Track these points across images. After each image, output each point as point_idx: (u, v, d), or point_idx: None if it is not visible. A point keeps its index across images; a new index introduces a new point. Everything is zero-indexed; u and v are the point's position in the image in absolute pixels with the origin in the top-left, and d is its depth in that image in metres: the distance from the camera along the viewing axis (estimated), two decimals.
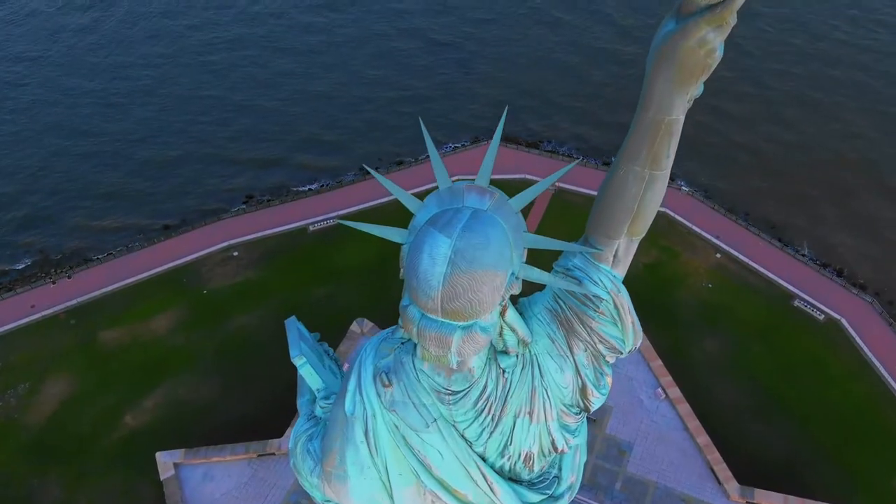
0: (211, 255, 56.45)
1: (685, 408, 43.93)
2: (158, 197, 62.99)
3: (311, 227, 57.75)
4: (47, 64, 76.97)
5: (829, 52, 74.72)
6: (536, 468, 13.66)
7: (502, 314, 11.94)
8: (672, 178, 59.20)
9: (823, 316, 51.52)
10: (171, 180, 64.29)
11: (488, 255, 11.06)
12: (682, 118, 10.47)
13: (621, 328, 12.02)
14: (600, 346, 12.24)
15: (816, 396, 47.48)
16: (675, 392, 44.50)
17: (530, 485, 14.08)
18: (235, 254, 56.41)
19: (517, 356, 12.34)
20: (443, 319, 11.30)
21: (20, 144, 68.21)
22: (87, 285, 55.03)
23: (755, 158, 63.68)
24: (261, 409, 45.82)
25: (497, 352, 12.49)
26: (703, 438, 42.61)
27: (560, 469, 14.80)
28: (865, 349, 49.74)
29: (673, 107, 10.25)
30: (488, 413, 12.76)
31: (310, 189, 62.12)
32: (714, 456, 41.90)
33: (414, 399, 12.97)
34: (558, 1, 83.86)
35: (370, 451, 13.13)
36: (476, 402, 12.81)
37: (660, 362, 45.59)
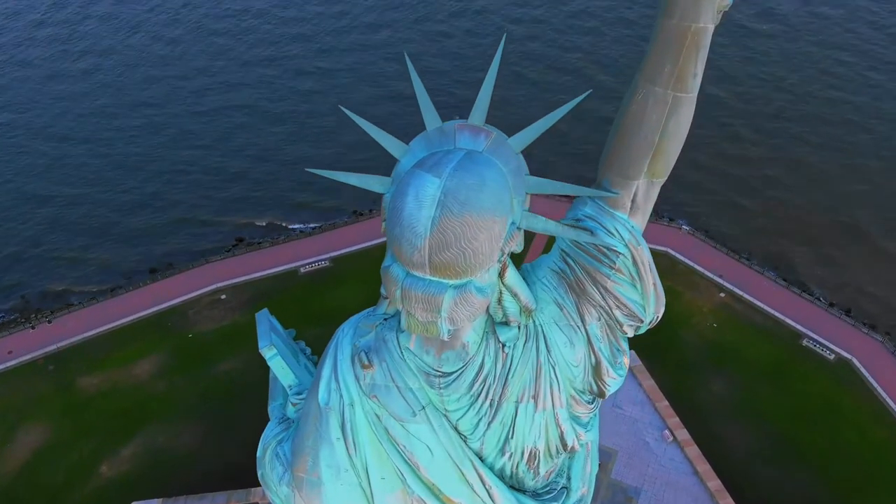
0: (198, 299, 54.57)
1: (694, 451, 41.59)
2: (146, 240, 61.43)
3: (301, 269, 56.06)
4: (31, 109, 76.31)
5: (830, 92, 74.52)
6: (542, 471, 11.66)
7: (501, 275, 10.16)
8: (672, 218, 58.00)
9: (834, 356, 49.56)
10: (159, 224, 62.83)
11: (484, 196, 9.33)
12: (710, 28, 8.90)
13: (641, 289, 10.23)
14: (617, 313, 10.42)
15: (831, 439, 45.17)
16: (683, 434, 42.22)
17: (535, 495, 12.07)
18: (223, 297, 54.57)
19: (519, 327, 10.52)
20: (431, 277, 9.53)
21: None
22: (68, 330, 52.96)
23: (756, 198, 62.59)
24: (245, 456, 43.10)
25: (496, 323, 10.66)
26: (715, 483, 40.18)
27: (569, 479, 12.77)
28: (879, 389, 47.64)
29: (700, 11, 8.71)
30: (486, 398, 10.84)
31: (301, 231, 60.66)
32: (727, 502, 39.42)
33: (398, 382, 11.07)
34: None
35: (348, 449, 11.17)
36: (471, 386, 10.90)
37: (666, 403, 43.42)
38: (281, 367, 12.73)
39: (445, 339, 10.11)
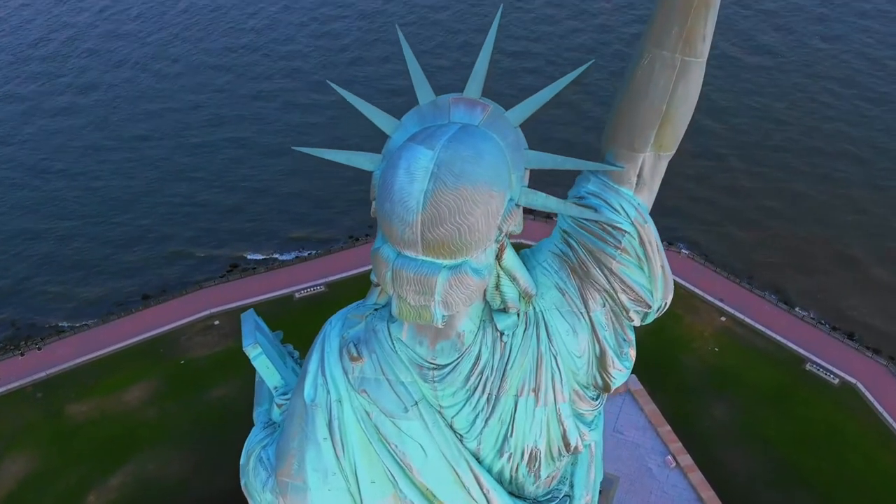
0: (191, 325, 53.70)
1: (697, 476, 40.54)
2: (139, 273, 60.70)
3: (297, 295, 55.29)
4: (17, 143, 75.87)
5: (823, 123, 74.56)
6: (544, 475, 10.89)
7: (499, 256, 9.50)
8: (671, 242, 57.45)
9: (838, 380, 48.69)
10: (153, 257, 62.19)
11: (481, 169, 8.68)
12: None
13: (648, 271, 9.56)
14: (622, 297, 9.74)
15: (836, 464, 44.13)
16: (686, 460, 41.21)
17: (536, 503, 11.30)
18: (216, 322, 53.70)
19: (518, 314, 9.84)
20: (424, 257, 8.87)
21: None
22: (58, 357, 51.94)
23: (753, 227, 62.22)
24: (238, 484, 42.08)
25: (493, 311, 9.97)
26: None
27: (572, 486, 12.01)
28: (885, 415, 46.69)
29: None
30: (483, 392, 10.11)
31: (297, 256, 60.00)
32: None
33: (389, 375, 10.34)
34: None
35: (335, 450, 10.40)
36: (467, 378, 10.17)
37: (668, 428, 42.47)
38: (266, 367, 12.04)
39: (439, 325, 9.40)
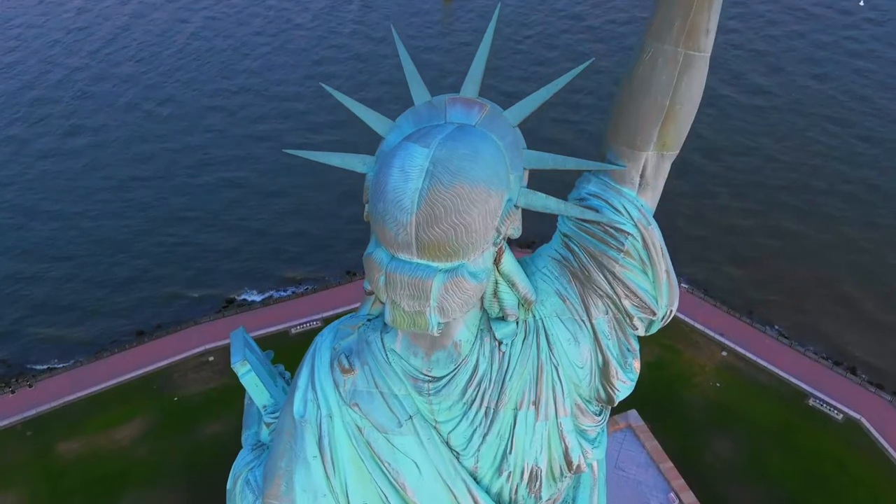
0: (185, 361, 53.00)
1: None
2: (133, 306, 60.10)
3: (293, 330, 54.71)
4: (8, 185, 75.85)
5: (817, 161, 74.86)
6: (545, 496, 10.34)
7: (497, 261, 9.11)
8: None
9: (842, 415, 47.94)
10: (148, 292, 61.63)
11: (478, 167, 8.35)
12: None
13: (653, 276, 9.15)
14: (626, 303, 9.31)
15: (842, 501, 43.21)
16: (689, 497, 40.26)
17: None
18: (211, 359, 53.02)
19: (517, 322, 9.42)
20: (419, 260, 8.48)
21: None
22: (49, 395, 51.09)
23: (751, 265, 62.04)
24: None
25: (491, 319, 9.55)
26: None
27: None
28: (890, 450, 45.85)
29: None
30: (480, 405, 9.62)
31: (294, 292, 59.50)
32: None
33: (382, 388, 9.85)
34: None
35: (325, 468, 9.88)
36: (464, 391, 9.69)
37: (670, 464, 41.59)
38: (255, 385, 11.57)
39: (435, 333, 8.95)
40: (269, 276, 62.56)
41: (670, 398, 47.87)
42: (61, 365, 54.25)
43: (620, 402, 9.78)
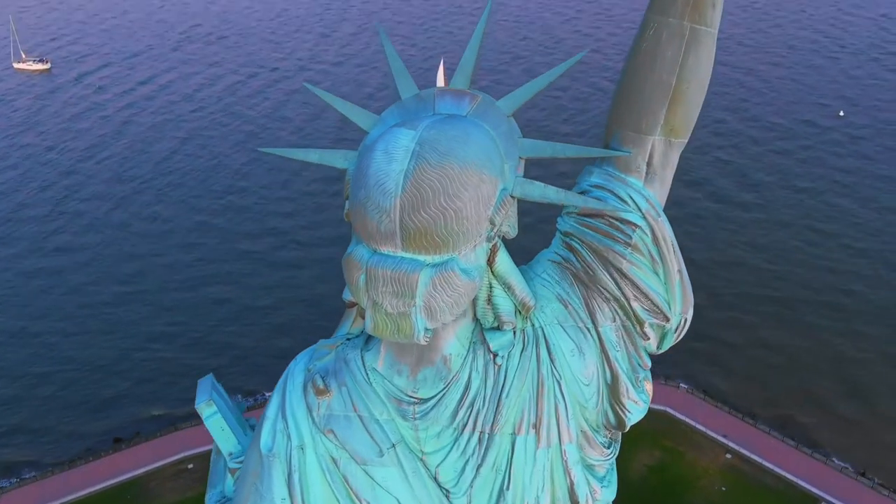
0: (162, 469, 50.58)
1: None
2: (113, 413, 58.05)
3: None
4: None
5: (812, 256, 75.25)
6: None
7: (490, 260, 8.09)
8: (669, 376, 55.77)
9: None
10: (125, 392, 59.83)
11: (469, 149, 7.46)
12: None
13: (664, 275, 8.10)
14: (635, 306, 8.19)
15: None
16: None
17: None
18: (190, 466, 50.58)
19: (515, 332, 8.31)
20: (404, 253, 7.47)
21: None
22: None
23: (752, 361, 61.00)
24: None
25: (485, 330, 8.43)
26: None
27: None
28: None
29: None
30: (473, 429, 8.32)
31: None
32: None
33: (362, 411, 8.53)
34: None
35: None
36: (455, 413, 8.38)
37: None
38: (221, 430, 10.24)
39: (422, 340, 7.72)
40: (255, 380, 60.91)
41: (673, 503, 45.53)
42: (31, 475, 51.53)
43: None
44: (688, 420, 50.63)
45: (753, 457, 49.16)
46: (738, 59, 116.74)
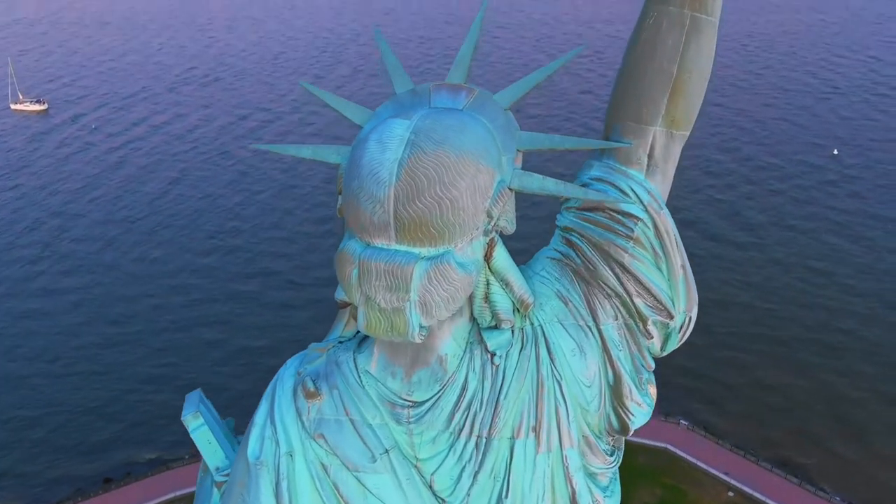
0: None
1: None
2: (100, 448, 57.04)
3: None
4: None
5: (810, 298, 75.08)
6: None
7: (488, 255, 7.80)
8: (669, 413, 55.10)
9: None
10: (117, 435, 58.82)
11: (465, 138, 7.21)
12: None
13: (667, 270, 7.80)
14: (638, 302, 7.85)
15: None
16: None
17: None
18: None
19: (513, 331, 7.97)
20: (398, 246, 7.16)
21: None
22: None
23: (752, 401, 60.48)
24: None
25: (482, 329, 8.09)
26: None
27: None
28: None
29: None
30: (470, 434, 7.92)
31: None
32: None
33: (354, 415, 8.14)
34: None
35: None
36: (451, 416, 8.00)
37: None
38: (208, 443, 9.81)
39: (417, 339, 7.35)
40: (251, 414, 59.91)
41: None
42: None
43: None
44: (689, 457, 49.88)
45: (756, 494, 48.34)
46: (730, 100, 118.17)
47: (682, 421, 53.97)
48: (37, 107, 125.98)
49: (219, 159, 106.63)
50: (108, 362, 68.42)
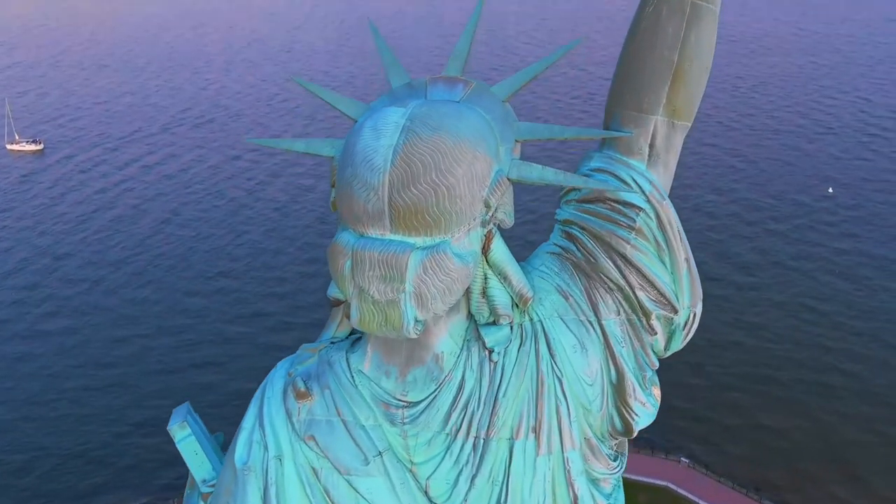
0: None
1: None
2: (91, 493, 56.06)
3: None
4: None
5: (808, 335, 74.96)
6: None
7: (485, 248, 7.54)
8: (670, 450, 54.49)
9: None
10: (108, 481, 57.92)
11: (462, 125, 7.02)
12: None
13: (670, 263, 7.54)
14: (641, 295, 7.57)
15: None
16: None
17: None
18: None
19: (512, 327, 7.67)
20: (392, 236, 6.91)
21: None
22: None
23: (753, 444, 60.13)
24: None
25: (480, 326, 7.79)
26: None
27: None
28: None
29: None
30: (468, 435, 7.57)
31: None
32: None
33: (346, 416, 7.79)
34: None
35: None
36: (448, 417, 7.66)
37: None
38: (195, 454, 9.43)
39: (412, 333, 7.04)
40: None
41: None
42: None
43: None
44: (690, 496, 49.20)
45: None
46: (724, 141, 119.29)
47: (682, 459, 53.39)
48: (33, 147, 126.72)
49: (212, 199, 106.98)
50: (99, 405, 67.70)
